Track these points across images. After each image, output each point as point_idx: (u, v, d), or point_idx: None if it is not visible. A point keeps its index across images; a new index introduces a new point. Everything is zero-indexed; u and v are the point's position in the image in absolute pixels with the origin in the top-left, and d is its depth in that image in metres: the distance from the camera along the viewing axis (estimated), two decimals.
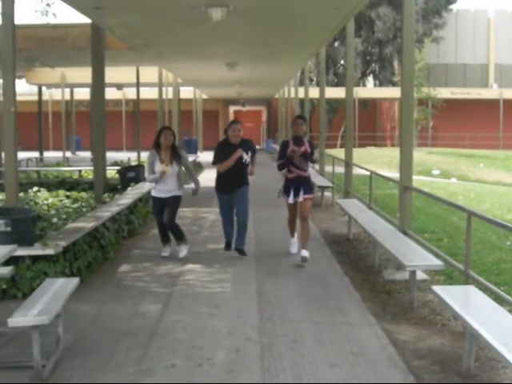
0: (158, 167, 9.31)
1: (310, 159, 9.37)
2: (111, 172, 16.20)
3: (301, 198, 9.21)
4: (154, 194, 9.65)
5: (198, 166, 27.36)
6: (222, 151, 9.36)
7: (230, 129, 9.37)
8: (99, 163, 13.09)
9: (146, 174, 9.52)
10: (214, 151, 9.56)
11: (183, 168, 9.83)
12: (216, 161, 9.45)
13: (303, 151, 9.18)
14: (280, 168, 9.51)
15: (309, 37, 15.25)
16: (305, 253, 8.97)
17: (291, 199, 9.30)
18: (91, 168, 15.47)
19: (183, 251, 9.55)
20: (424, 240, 8.99)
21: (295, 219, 9.59)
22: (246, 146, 9.43)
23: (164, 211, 9.45)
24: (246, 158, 9.34)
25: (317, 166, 18.44)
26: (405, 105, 9.32)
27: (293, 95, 31.73)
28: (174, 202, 9.49)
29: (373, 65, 56.57)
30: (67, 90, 38.42)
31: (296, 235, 9.69)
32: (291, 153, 9.13)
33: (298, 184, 9.26)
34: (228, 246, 9.69)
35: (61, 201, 11.49)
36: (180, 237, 9.59)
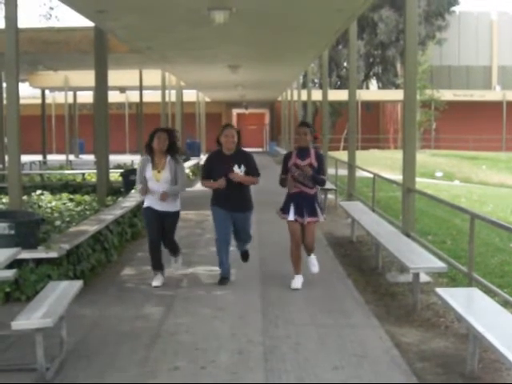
0: (149, 173, 8.03)
1: (315, 178, 7.81)
2: (114, 175, 16.21)
3: (305, 220, 7.85)
4: (147, 204, 8.18)
5: (202, 169, 27.40)
6: (213, 164, 8.05)
7: (222, 135, 7.96)
8: (102, 166, 13.10)
9: (137, 182, 8.27)
10: (204, 164, 8.41)
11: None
12: (205, 176, 8.18)
13: (307, 164, 7.74)
14: (282, 184, 8.02)
15: (311, 39, 15.27)
16: (314, 265, 8.15)
17: (291, 216, 7.80)
18: (94, 171, 15.48)
19: (178, 261, 8.58)
20: (427, 242, 8.99)
21: (299, 244, 7.95)
22: (241, 157, 8.01)
23: (159, 227, 8.14)
24: (238, 171, 7.89)
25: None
26: (408, 107, 9.32)
27: (296, 98, 31.77)
28: (172, 220, 8.24)
29: (376, 67, 56.60)
30: (70, 94, 38.50)
31: (301, 272, 8.02)
32: (293, 166, 7.78)
33: (300, 201, 7.83)
34: (224, 280, 8.18)
35: (64, 204, 11.51)
36: (176, 251, 8.50)
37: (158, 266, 8.21)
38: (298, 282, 7.91)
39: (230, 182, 7.85)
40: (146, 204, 8.23)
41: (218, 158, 8.02)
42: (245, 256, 8.74)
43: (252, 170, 8.05)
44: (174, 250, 8.48)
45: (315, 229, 8.09)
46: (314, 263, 8.22)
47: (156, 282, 8.09)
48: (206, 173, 8.15)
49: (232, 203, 7.99)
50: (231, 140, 7.95)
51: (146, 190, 8.04)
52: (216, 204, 8.10)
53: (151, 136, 8.10)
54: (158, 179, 8.03)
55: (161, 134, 8.08)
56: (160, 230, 8.16)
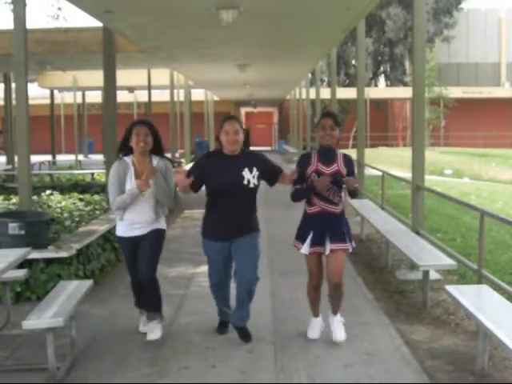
0: (133, 185, 5.79)
1: (348, 186, 5.71)
2: None
3: (328, 250, 5.71)
4: (120, 233, 6.01)
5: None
6: (211, 167, 5.74)
7: (222, 131, 5.68)
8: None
9: (112, 197, 5.84)
10: (197, 161, 6.13)
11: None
12: (191, 174, 5.71)
13: (334, 172, 5.69)
14: (295, 198, 5.83)
15: (319, 37, 15.25)
16: (339, 332, 5.86)
17: (306, 248, 5.73)
18: (104, 171, 15.51)
19: (156, 330, 5.96)
20: (437, 240, 8.97)
21: (320, 285, 6.01)
22: (252, 159, 5.78)
23: (138, 257, 5.93)
24: (250, 177, 5.64)
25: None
26: (416, 104, 9.31)
27: (304, 96, 31.74)
28: (155, 241, 5.95)
29: (384, 65, 56.53)
30: (79, 94, 38.58)
31: (320, 315, 6.14)
32: (314, 174, 5.66)
33: (322, 224, 5.70)
34: (223, 327, 6.25)
35: (74, 204, 11.53)
36: (155, 305, 6.00)
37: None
38: (316, 329, 6.07)
39: (231, 199, 5.68)
40: (120, 232, 6.02)
41: (220, 160, 5.74)
42: (243, 334, 5.97)
43: (274, 170, 5.87)
44: (154, 298, 6.00)
45: (344, 259, 5.85)
46: (339, 327, 5.91)
47: (145, 326, 6.15)
48: (195, 172, 5.72)
49: (232, 228, 5.73)
50: (233, 139, 5.65)
51: (143, 185, 5.75)
52: (208, 236, 5.89)
53: (128, 132, 5.89)
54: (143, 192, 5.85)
55: (140, 129, 5.81)
56: None
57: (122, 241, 6.07)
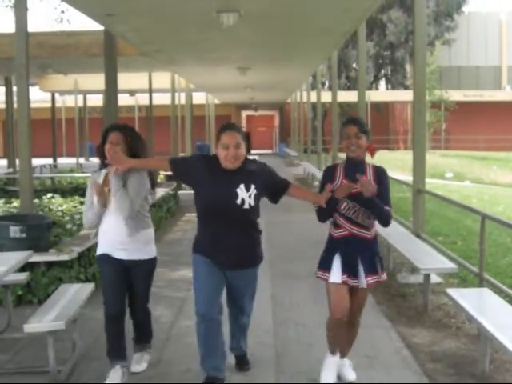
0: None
1: (375, 209, 4.65)
2: None
3: (362, 282, 4.72)
4: (102, 251, 5.08)
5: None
6: (206, 171, 4.69)
7: (219, 143, 4.62)
8: None
9: (85, 211, 5.20)
10: (188, 157, 5.37)
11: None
12: (174, 165, 4.86)
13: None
14: (320, 216, 4.82)
15: (320, 41, 15.26)
16: (350, 373, 5.08)
17: (337, 277, 4.69)
18: None
19: (143, 363, 5.34)
20: (438, 243, 8.98)
21: (345, 322, 4.83)
22: (252, 173, 4.68)
23: (124, 289, 5.12)
24: (245, 196, 4.59)
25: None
26: (417, 108, 9.31)
27: (305, 99, 31.75)
28: (145, 274, 5.18)
29: (385, 68, 56.56)
30: (80, 97, 38.61)
31: (339, 354, 4.96)
32: (340, 191, 4.58)
33: (351, 251, 4.72)
34: None
35: (75, 207, 11.54)
36: (147, 337, 5.43)
37: (118, 352, 5.11)
38: (333, 371, 4.90)
39: (222, 221, 4.64)
40: (100, 250, 5.11)
41: (213, 170, 4.68)
42: (242, 362, 5.30)
43: (278, 185, 4.84)
44: (145, 329, 5.43)
45: (367, 294, 5.02)
46: (348, 370, 5.13)
47: (114, 379, 4.99)
48: (181, 166, 4.88)
49: (231, 254, 4.68)
50: (233, 154, 4.56)
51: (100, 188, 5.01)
52: (201, 251, 4.77)
53: (103, 137, 5.07)
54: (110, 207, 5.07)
55: (113, 136, 5.00)
56: (125, 296, 5.15)
57: (104, 259, 5.05)
